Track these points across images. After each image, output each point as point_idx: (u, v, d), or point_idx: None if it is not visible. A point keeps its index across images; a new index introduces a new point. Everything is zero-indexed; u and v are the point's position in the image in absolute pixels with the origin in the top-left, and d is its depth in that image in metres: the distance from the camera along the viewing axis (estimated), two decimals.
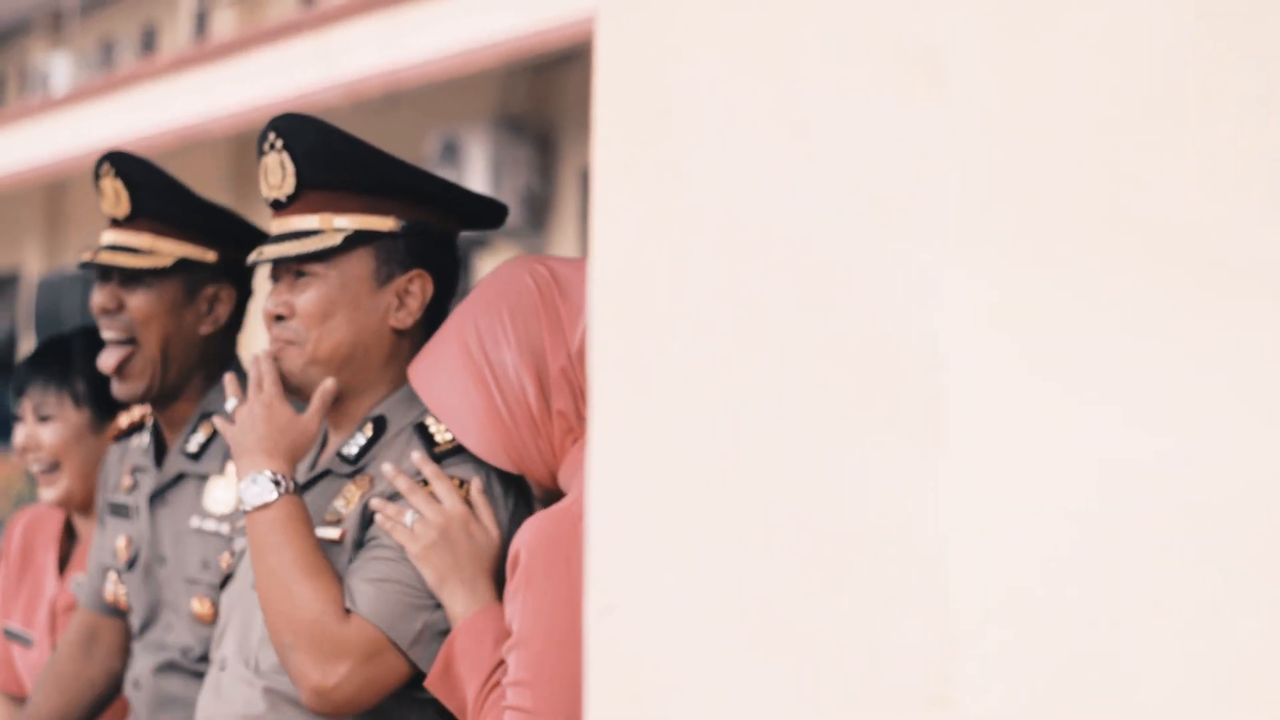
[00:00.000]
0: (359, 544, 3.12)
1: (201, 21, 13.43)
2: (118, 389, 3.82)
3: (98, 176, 3.80)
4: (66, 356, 4.21)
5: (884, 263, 1.46)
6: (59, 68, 14.27)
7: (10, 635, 4.45)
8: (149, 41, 14.17)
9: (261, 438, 3.15)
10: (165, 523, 3.83)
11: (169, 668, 3.79)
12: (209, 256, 3.80)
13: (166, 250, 3.77)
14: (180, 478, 3.84)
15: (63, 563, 4.42)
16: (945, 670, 1.42)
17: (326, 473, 3.25)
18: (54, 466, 4.22)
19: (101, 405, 4.19)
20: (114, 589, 3.94)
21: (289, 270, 3.25)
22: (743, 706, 1.54)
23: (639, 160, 1.65)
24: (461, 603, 2.98)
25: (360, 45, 10.81)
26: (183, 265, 3.79)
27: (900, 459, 1.45)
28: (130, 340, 3.78)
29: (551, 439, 2.98)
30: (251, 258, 3.25)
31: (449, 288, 3.31)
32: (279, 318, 3.25)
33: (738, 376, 1.58)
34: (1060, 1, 1.46)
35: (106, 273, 3.80)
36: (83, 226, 15.16)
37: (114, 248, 3.78)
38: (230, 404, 3.24)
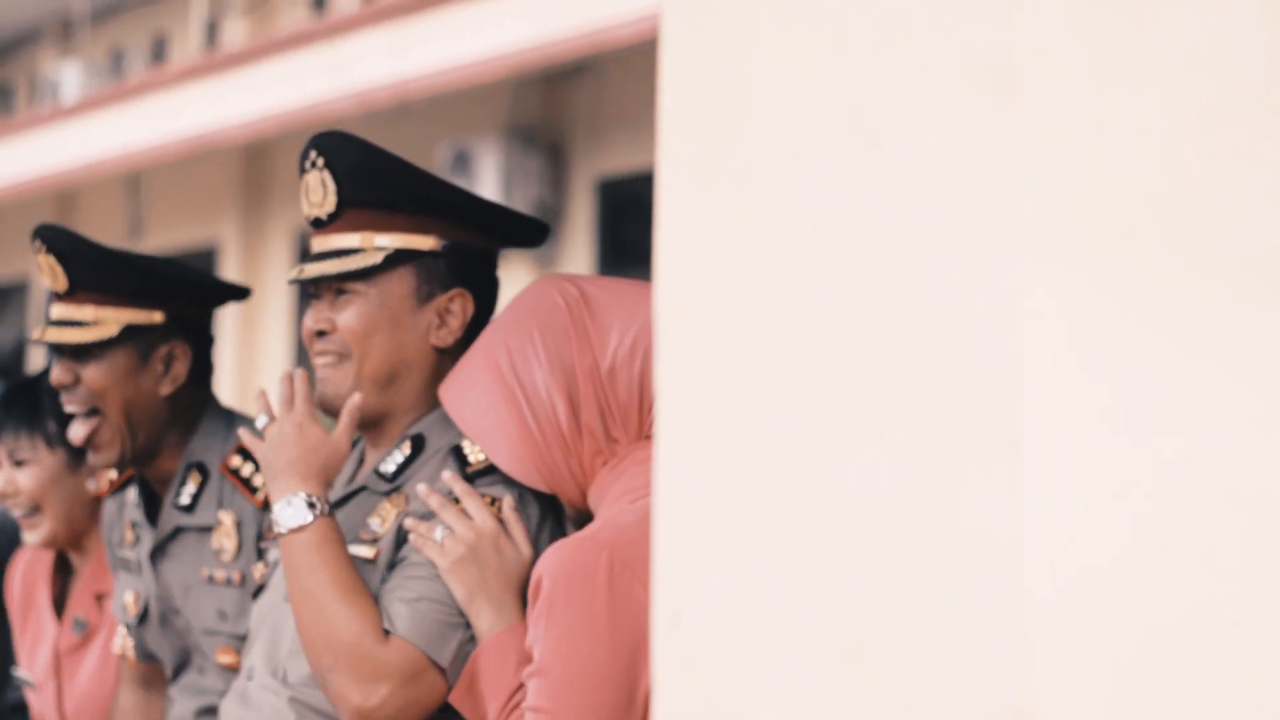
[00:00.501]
0: (393, 564, 3.13)
1: (212, 31, 13.43)
2: (92, 459, 3.81)
3: (34, 252, 3.79)
4: (36, 399, 4.20)
5: (960, 275, 1.46)
6: (69, 77, 14.27)
7: (22, 681, 4.46)
8: (159, 51, 14.16)
9: (294, 459, 3.15)
10: (172, 576, 3.83)
11: (210, 712, 3.79)
12: (155, 318, 3.79)
13: (111, 319, 3.76)
14: (178, 531, 3.83)
15: (61, 602, 4.41)
16: (1023, 682, 1.42)
17: (363, 489, 3.25)
18: (35, 509, 4.22)
19: (75, 447, 4.20)
20: (121, 643, 3.95)
21: (329, 288, 3.26)
22: (816, 718, 1.54)
23: (707, 173, 1.65)
24: (488, 620, 2.99)
25: (371, 55, 10.79)
26: (130, 331, 3.77)
27: (979, 470, 1.45)
28: (94, 411, 3.78)
29: (581, 458, 2.98)
30: (292, 275, 3.26)
31: (489, 307, 3.32)
32: (320, 333, 3.26)
33: (810, 389, 1.58)
34: (1135, 14, 1.46)
35: (59, 348, 3.80)
36: (91, 236, 15.14)
37: (60, 323, 3.77)
38: (260, 420, 3.24)
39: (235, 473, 3.79)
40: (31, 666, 4.41)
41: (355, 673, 3.00)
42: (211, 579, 3.76)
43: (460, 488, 3.08)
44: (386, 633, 3.02)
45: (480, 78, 10.16)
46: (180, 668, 3.87)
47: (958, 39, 1.48)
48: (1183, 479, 1.43)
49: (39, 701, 4.39)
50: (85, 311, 3.76)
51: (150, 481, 3.90)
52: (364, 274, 3.22)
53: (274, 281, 13.40)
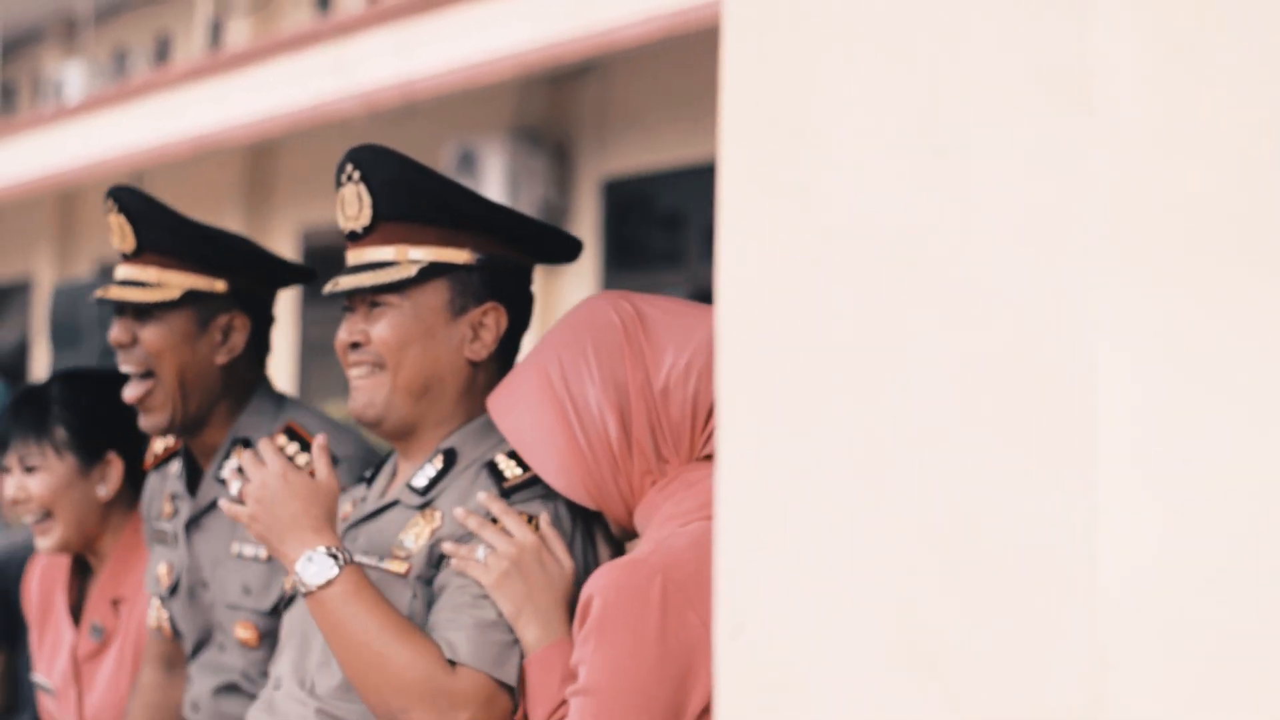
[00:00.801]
0: (426, 581, 3.12)
1: (216, 31, 13.43)
2: (142, 421, 3.83)
3: (105, 211, 3.82)
4: (44, 406, 4.21)
5: (1032, 283, 1.46)
6: (72, 77, 14.27)
7: (38, 685, 4.46)
8: (163, 51, 14.17)
9: (296, 513, 3.12)
10: (203, 549, 3.84)
11: (228, 689, 3.79)
12: (218, 286, 3.81)
13: (174, 283, 3.78)
14: (215, 504, 3.84)
15: (78, 607, 4.42)
16: (1096, 690, 1.42)
17: (395, 503, 3.25)
18: (46, 515, 4.22)
19: (85, 450, 4.20)
20: (156, 615, 3.95)
21: (364, 301, 3.26)
22: None
23: (769, 181, 1.65)
24: (535, 634, 2.98)
25: (377, 55, 10.81)
26: (192, 297, 3.80)
27: (1051, 477, 1.45)
28: (149, 373, 3.80)
29: (630, 477, 2.96)
30: (327, 289, 3.27)
31: (523, 320, 3.32)
32: (355, 345, 3.26)
33: (875, 398, 1.58)
34: (1210, 21, 1.46)
35: (121, 307, 3.83)
36: (94, 236, 15.17)
37: (124, 283, 3.80)
38: (233, 487, 3.23)
39: (280, 451, 3.81)
40: (50, 673, 4.41)
41: (433, 708, 2.99)
42: (240, 555, 3.77)
43: (497, 506, 3.08)
44: (451, 662, 3.01)
45: (486, 78, 10.17)
46: (200, 645, 3.88)
47: (1029, 50, 1.48)
48: (1257, 484, 1.43)
49: (57, 708, 4.39)
50: (150, 273, 3.79)
51: (194, 453, 3.92)
52: (398, 287, 3.22)
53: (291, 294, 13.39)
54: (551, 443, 2.99)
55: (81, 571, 4.43)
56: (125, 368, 3.81)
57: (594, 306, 3.07)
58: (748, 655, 1.63)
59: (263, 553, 3.75)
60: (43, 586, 4.50)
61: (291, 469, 3.17)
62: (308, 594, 3.06)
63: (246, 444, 3.82)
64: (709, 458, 2.99)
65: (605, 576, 2.82)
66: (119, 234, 3.80)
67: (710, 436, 2.95)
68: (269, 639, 3.75)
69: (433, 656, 3.01)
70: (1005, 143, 1.49)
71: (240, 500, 3.20)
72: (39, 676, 4.44)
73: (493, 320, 3.25)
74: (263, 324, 3.92)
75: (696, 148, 10.73)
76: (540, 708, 2.93)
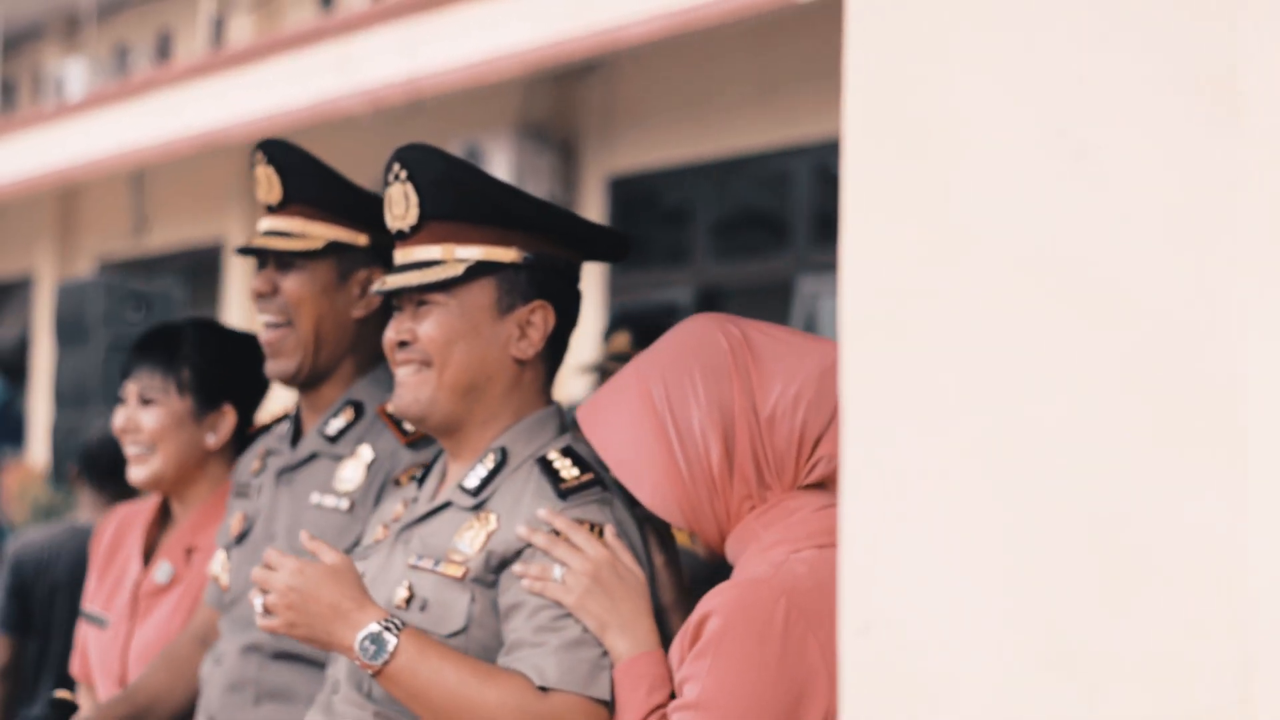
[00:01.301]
0: (484, 584, 3.11)
1: (218, 27, 13.41)
2: (270, 367, 3.87)
3: (253, 165, 3.86)
4: (175, 343, 4.24)
5: (1179, 285, 1.46)
6: (73, 73, 14.25)
7: (88, 618, 4.47)
8: (164, 48, 14.14)
9: (334, 599, 3.10)
10: (285, 500, 3.86)
11: (254, 649, 3.80)
12: (360, 240, 3.86)
13: (318, 234, 3.83)
14: (312, 458, 3.86)
15: (150, 553, 4.44)
16: (1244, 691, 1.43)
17: (447, 505, 3.24)
18: (150, 449, 4.25)
19: (204, 396, 4.23)
20: (221, 566, 3.96)
21: (411, 300, 3.26)
22: None
23: (896, 181, 1.65)
24: (624, 646, 2.97)
25: (382, 53, 10.80)
26: (334, 248, 3.84)
27: (1199, 478, 1.45)
28: (286, 323, 3.84)
29: (729, 501, 2.96)
30: (375, 287, 3.28)
31: (571, 318, 3.31)
32: (403, 344, 3.26)
33: (1009, 398, 1.58)
34: None
35: (263, 258, 3.86)
36: (95, 233, 15.14)
37: (268, 233, 3.84)
38: (257, 604, 3.19)
39: (391, 416, 3.83)
40: (108, 607, 4.43)
41: None
42: (320, 505, 3.78)
43: (562, 523, 3.07)
44: (542, 689, 3.00)
45: (492, 75, 10.16)
46: (238, 598, 3.88)
47: (1175, 51, 1.48)
48: None
49: (103, 642, 4.40)
50: (294, 224, 3.83)
51: (304, 411, 3.94)
52: (444, 285, 3.22)
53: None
54: (649, 461, 2.98)
55: (162, 520, 4.46)
56: (264, 317, 3.85)
57: (700, 329, 3.06)
58: (875, 654, 1.63)
59: (343, 504, 3.76)
60: (117, 531, 4.52)
61: (304, 562, 3.14)
62: (377, 674, 3.03)
63: (358, 407, 3.86)
64: (810, 487, 2.99)
65: (725, 595, 2.81)
66: (265, 186, 3.84)
67: (814, 466, 2.95)
68: None
69: (521, 688, 3.00)
70: (1148, 143, 1.49)
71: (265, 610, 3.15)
72: (92, 608, 4.45)
73: (540, 319, 3.25)
74: None
75: (702, 145, 10.73)
76: (626, 718, 2.92)
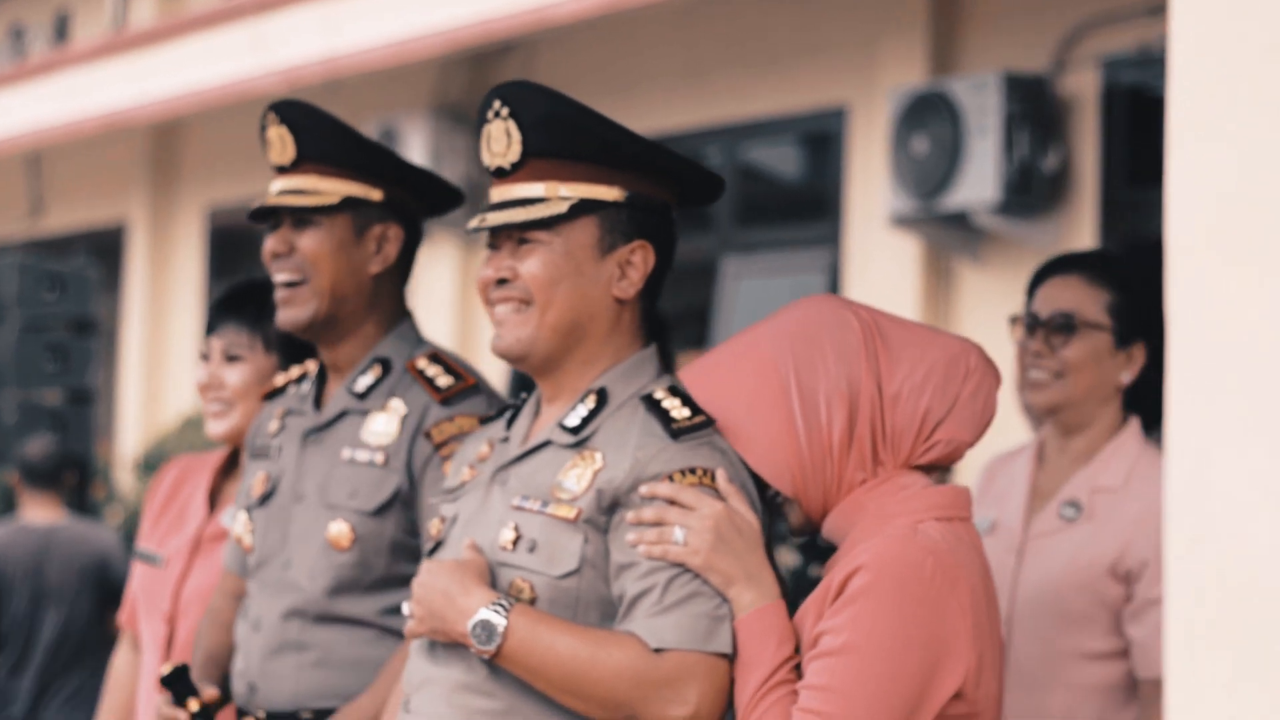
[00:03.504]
0: (597, 527, 3.11)
1: (123, 8, 13.25)
2: (282, 315, 3.85)
3: (263, 128, 3.83)
4: (261, 300, 4.23)
5: None
6: None
7: (141, 556, 4.46)
8: (61, 28, 13.94)
9: (445, 589, 3.12)
10: (316, 460, 3.84)
11: (295, 614, 3.79)
12: (375, 195, 3.86)
13: (333, 190, 3.83)
14: (342, 415, 3.85)
15: (215, 499, 4.44)
16: None
17: (546, 444, 3.23)
18: (231, 405, 4.24)
19: (288, 353, 4.22)
20: (244, 528, 3.95)
21: (510, 238, 3.24)
22: None
23: (1224, 183, 1.67)
24: (750, 597, 3.01)
25: (299, 32, 10.73)
26: (349, 203, 3.85)
27: None
28: (303, 281, 3.84)
29: (842, 474, 3.03)
30: (473, 224, 3.26)
31: (668, 259, 3.30)
32: (501, 281, 3.24)
33: None
34: None
35: (277, 219, 3.83)
36: None
37: (283, 192, 3.83)
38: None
39: (421, 372, 3.83)
40: (162, 547, 4.41)
41: (658, 701, 3.00)
42: (353, 460, 3.78)
43: (665, 489, 3.07)
44: (658, 650, 3.01)
45: (413, 55, 10.13)
46: (265, 559, 3.87)
47: None
48: None
49: (155, 579, 4.38)
50: (308, 181, 3.83)
51: (328, 369, 3.94)
52: (548, 223, 3.21)
53: (183, 261, 13.26)
54: (763, 426, 3.04)
55: (228, 470, 4.43)
56: (280, 277, 3.84)
57: (830, 308, 3.13)
58: (1206, 567, 1.65)
59: (378, 457, 3.76)
60: (177, 478, 4.54)
61: (437, 561, 3.17)
62: (495, 657, 3.06)
63: (385, 364, 3.85)
64: (920, 468, 3.08)
65: (875, 550, 2.91)
66: (278, 146, 3.83)
67: (931, 448, 3.04)
68: (360, 544, 3.76)
69: (636, 653, 3.01)
70: None
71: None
72: (147, 547, 4.44)
73: (640, 258, 3.25)
74: (413, 239, 3.95)
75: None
76: (754, 670, 2.95)
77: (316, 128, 3.84)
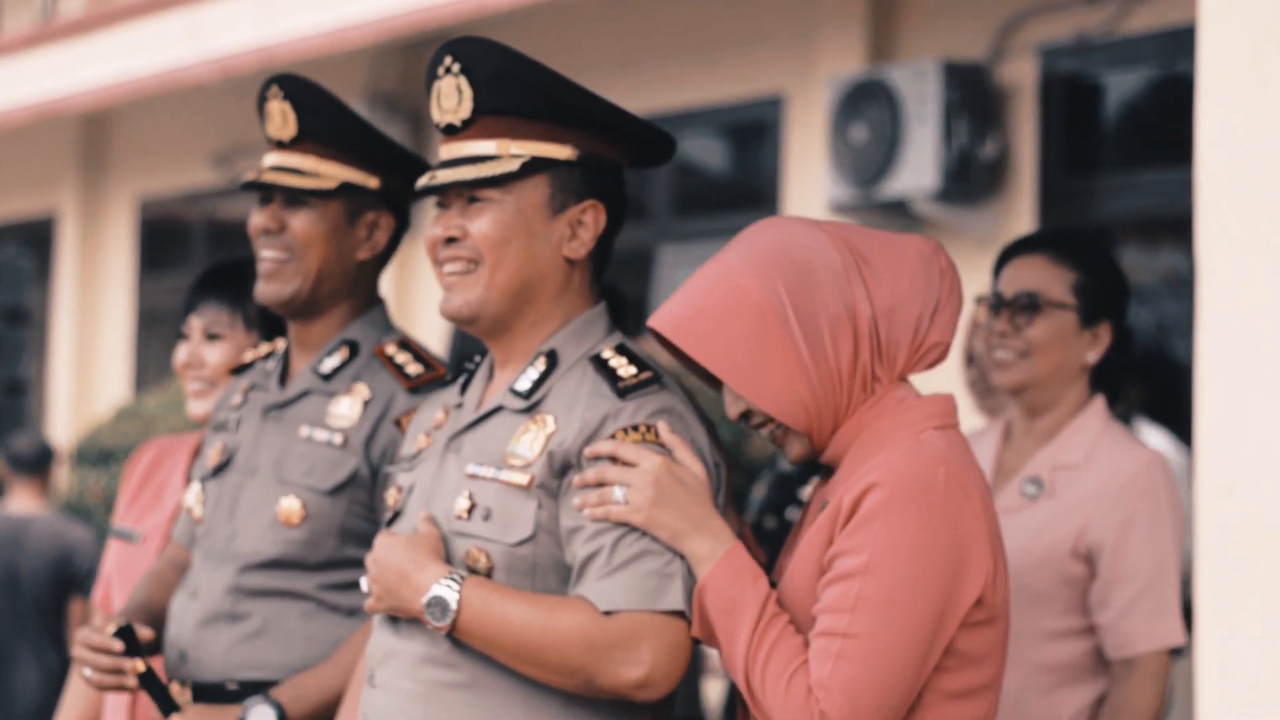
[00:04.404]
0: (549, 491, 3.09)
1: None
2: (262, 288, 3.81)
3: (264, 99, 3.78)
4: (241, 279, 4.20)
5: None
6: None
7: (117, 534, 4.44)
8: None
9: (400, 565, 3.10)
10: (273, 435, 3.82)
11: (235, 586, 3.77)
12: (371, 182, 3.82)
13: (331, 173, 3.78)
14: (304, 394, 3.83)
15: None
16: None
17: (498, 409, 3.21)
18: (212, 384, 4.23)
19: (269, 331, 4.20)
20: (195, 498, 3.92)
21: (460, 196, 3.19)
22: None
23: (1256, 175, 1.67)
24: (706, 547, 2.97)
25: (235, 21, 10.67)
26: (346, 189, 3.80)
27: None
28: (289, 259, 3.80)
29: (851, 395, 2.98)
30: (422, 181, 3.21)
31: (618, 220, 3.27)
32: (451, 240, 3.20)
33: None
34: None
35: (268, 194, 3.80)
36: None
37: (279, 169, 3.78)
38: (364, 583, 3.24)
39: (390, 359, 3.81)
40: (139, 523, 4.39)
41: (610, 664, 2.98)
42: (310, 439, 3.75)
43: (606, 446, 3.04)
44: (608, 613, 2.99)
45: (349, 44, 10.09)
46: (212, 529, 3.84)
47: None
48: None
49: (130, 555, 4.37)
50: (306, 161, 3.78)
51: (293, 348, 3.91)
52: (499, 181, 3.16)
53: (114, 252, 13.17)
54: (773, 369, 2.96)
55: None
56: (267, 253, 3.80)
57: (799, 230, 3.05)
58: (1238, 513, 1.67)
59: (336, 438, 3.74)
60: (154, 459, 4.51)
61: (391, 536, 3.15)
62: (451, 631, 3.04)
63: (352, 346, 3.83)
64: (905, 379, 3.05)
65: (885, 467, 2.87)
66: (279, 121, 3.77)
67: (924, 355, 3.02)
68: (311, 523, 3.73)
69: (587, 617, 2.99)
70: None
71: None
72: (122, 525, 4.43)
73: (591, 218, 3.22)
74: (401, 228, 3.93)
75: None
76: (742, 613, 2.91)
77: (320, 107, 3.79)
